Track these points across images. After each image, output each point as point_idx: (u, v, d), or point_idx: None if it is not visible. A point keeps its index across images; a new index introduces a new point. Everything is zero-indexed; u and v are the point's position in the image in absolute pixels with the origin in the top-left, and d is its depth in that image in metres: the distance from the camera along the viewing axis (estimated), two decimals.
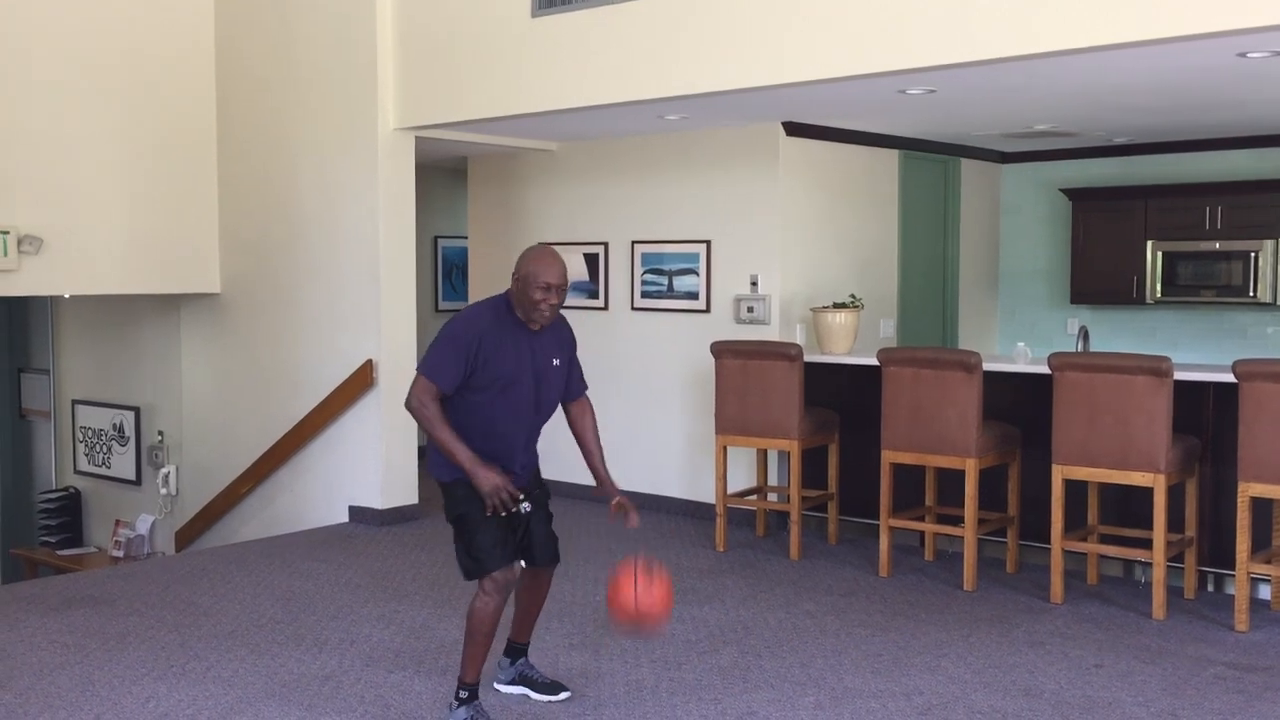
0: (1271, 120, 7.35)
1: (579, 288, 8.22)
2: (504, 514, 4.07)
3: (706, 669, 4.86)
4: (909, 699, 4.53)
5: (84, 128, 7.81)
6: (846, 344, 7.10)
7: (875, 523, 6.65)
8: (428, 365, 4.05)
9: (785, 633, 5.35)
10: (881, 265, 8.15)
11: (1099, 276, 8.67)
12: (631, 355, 8.05)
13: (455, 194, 10.38)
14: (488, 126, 7.48)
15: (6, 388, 10.86)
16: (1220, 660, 4.97)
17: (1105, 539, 6.10)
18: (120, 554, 9.08)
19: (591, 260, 8.24)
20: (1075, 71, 5.53)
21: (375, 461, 7.62)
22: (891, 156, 8.19)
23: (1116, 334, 8.71)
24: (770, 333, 7.36)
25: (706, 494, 7.44)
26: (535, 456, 4.32)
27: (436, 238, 10.90)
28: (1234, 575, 5.50)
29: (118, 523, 9.43)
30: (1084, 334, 7.23)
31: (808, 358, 6.86)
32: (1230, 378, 5.49)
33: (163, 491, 9.01)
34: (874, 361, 6.51)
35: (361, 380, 7.60)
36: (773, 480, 7.35)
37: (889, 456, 6.25)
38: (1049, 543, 5.90)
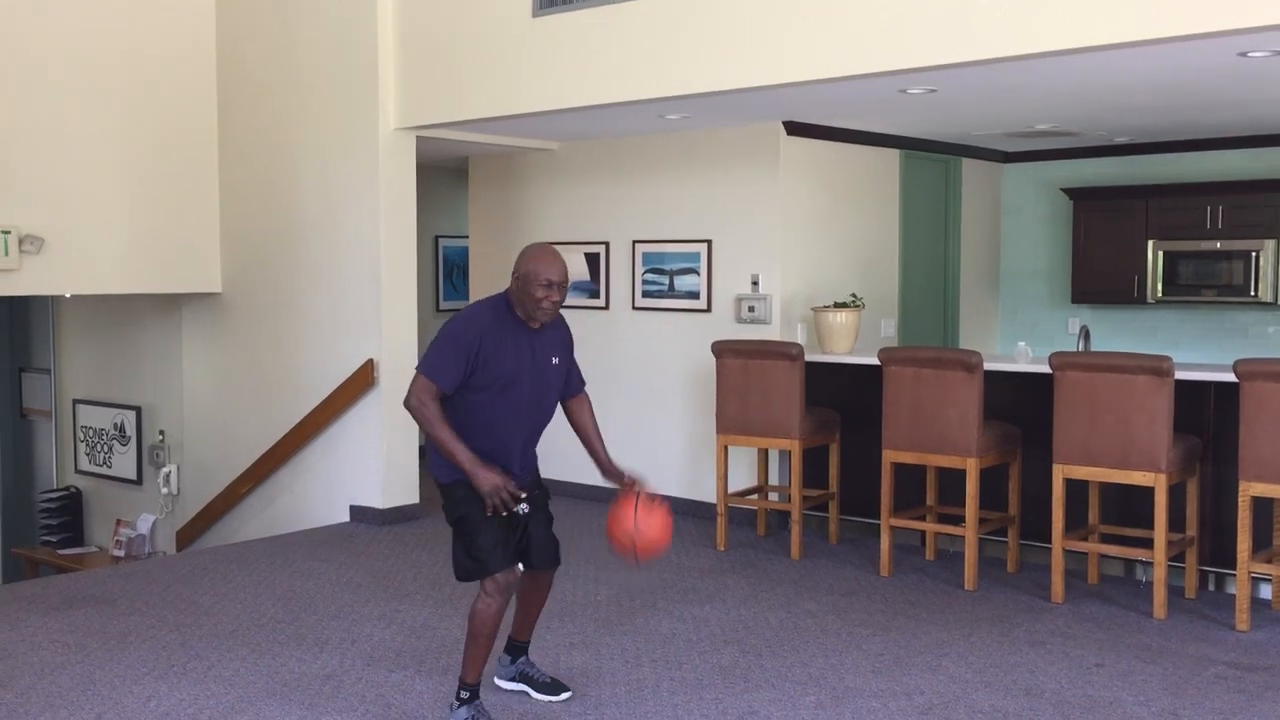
0: (1272, 120, 7.34)
1: (580, 287, 8.22)
2: (504, 514, 4.07)
3: (707, 668, 4.86)
4: (910, 698, 4.53)
5: (85, 128, 7.81)
6: (847, 343, 7.10)
7: (876, 522, 6.65)
8: (427, 364, 4.05)
9: (786, 632, 5.35)
10: (882, 265, 8.15)
11: (1100, 276, 8.67)
12: (632, 355, 8.05)
13: (456, 194, 10.38)
14: (488, 126, 7.49)
15: (7, 387, 10.87)
16: (1221, 660, 4.97)
17: (1106, 538, 6.10)
18: (121, 553, 9.09)
19: (592, 260, 8.24)
20: (1076, 71, 5.53)
21: (376, 461, 7.62)
22: (892, 156, 8.20)
23: (1117, 333, 8.72)
24: (771, 332, 7.36)
25: (707, 493, 7.45)
26: (535, 458, 4.32)
27: (437, 237, 10.91)
28: (1235, 575, 5.50)
29: (119, 522, 9.43)
30: (1085, 333, 7.24)
31: (809, 357, 6.86)
32: (1231, 377, 5.49)
33: (164, 491, 9.02)
34: (875, 361, 6.51)
35: (362, 380, 7.60)
36: (774, 480, 7.35)
37: (890, 456, 6.25)
38: (1050, 542, 5.90)
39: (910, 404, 6.14)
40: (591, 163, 8.28)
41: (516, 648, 4.54)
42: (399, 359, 7.61)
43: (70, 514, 9.92)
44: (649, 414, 7.93)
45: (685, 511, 7.75)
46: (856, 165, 7.91)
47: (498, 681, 4.53)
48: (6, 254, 7.36)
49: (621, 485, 4.22)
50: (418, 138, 7.65)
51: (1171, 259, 8.34)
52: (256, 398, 8.33)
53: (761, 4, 5.83)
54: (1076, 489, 5.98)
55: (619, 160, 8.13)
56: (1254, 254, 7.99)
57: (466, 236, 9.40)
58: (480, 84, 7.05)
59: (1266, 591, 5.75)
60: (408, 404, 4.03)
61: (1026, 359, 6.54)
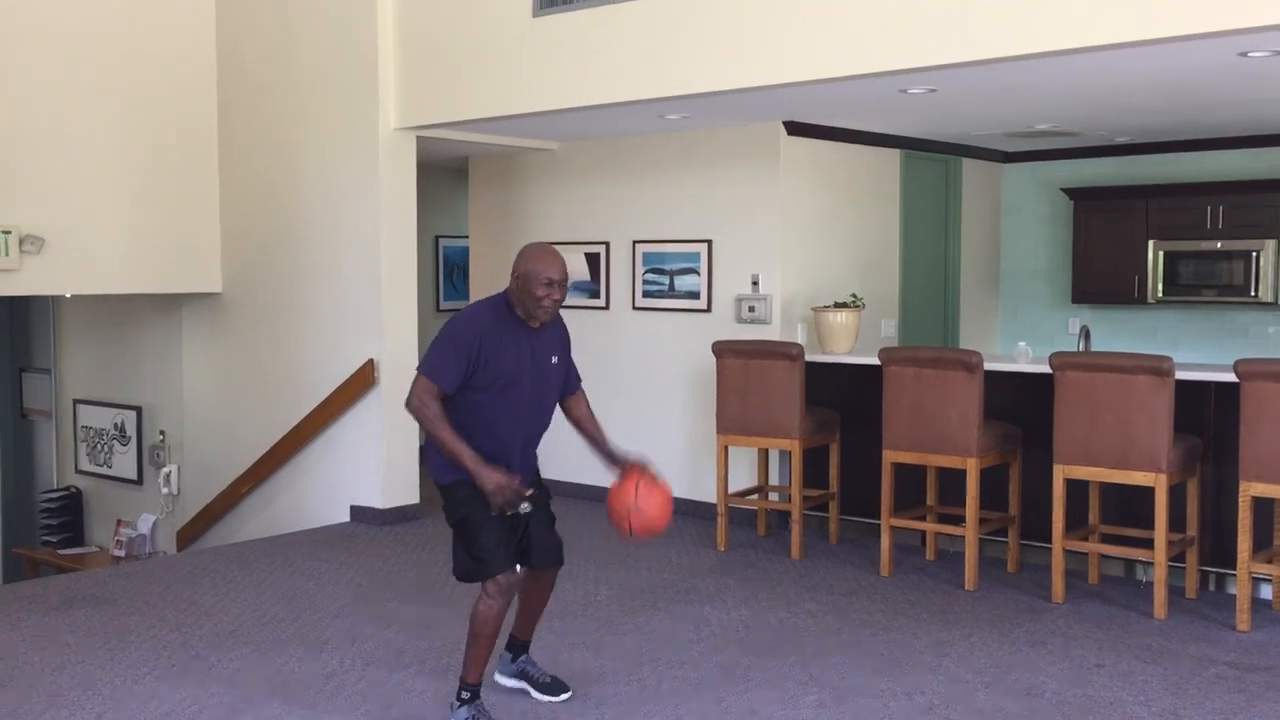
0: (1272, 120, 7.34)
1: (580, 287, 8.23)
2: (508, 514, 4.06)
3: (708, 668, 4.86)
4: (910, 698, 4.53)
5: (86, 128, 7.81)
6: (848, 343, 7.10)
7: (876, 522, 6.65)
8: (428, 365, 4.04)
9: (787, 632, 5.35)
10: (883, 265, 8.16)
11: (1100, 276, 8.67)
12: (633, 355, 8.06)
13: (456, 193, 10.38)
14: (489, 126, 7.49)
15: (8, 387, 10.87)
16: (1222, 660, 4.97)
17: (1106, 539, 6.10)
18: (122, 553, 9.09)
19: (593, 260, 8.24)
20: (1076, 71, 5.53)
21: (376, 461, 7.62)
22: (893, 156, 8.20)
23: (1118, 333, 8.72)
24: (771, 332, 7.36)
25: (708, 493, 7.44)
26: (535, 459, 4.32)
27: (438, 237, 10.91)
28: (1235, 575, 5.50)
29: (119, 522, 9.43)
30: (1085, 333, 7.23)
31: (809, 357, 6.86)
32: (1231, 377, 5.49)
33: (164, 491, 9.02)
34: (875, 361, 6.51)
35: (363, 380, 7.60)
36: (774, 480, 7.35)
37: (890, 456, 6.25)
38: (1050, 542, 5.90)
39: (910, 404, 6.14)
40: (592, 163, 8.28)
41: (518, 646, 4.54)
42: (399, 359, 7.61)
43: (71, 514, 9.92)
44: (649, 414, 7.93)
45: (685, 512, 7.75)
46: (857, 165, 7.91)
47: (498, 678, 4.53)
48: (7, 254, 7.36)
49: (628, 467, 4.20)
50: (418, 137, 7.65)
51: (1172, 259, 8.34)
52: (257, 398, 8.33)
53: (762, 4, 5.83)
54: (1077, 489, 5.98)
55: (619, 160, 8.13)
56: (1254, 254, 7.99)
57: (467, 236, 9.40)
58: (480, 84, 7.06)
59: (1267, 592, 5.75)
60: (409, 405, 4.03)
61: (1027, 359, 6.54)
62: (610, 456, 4.30)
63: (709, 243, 7.66)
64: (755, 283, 7.45)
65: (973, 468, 5.98)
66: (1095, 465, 5.65)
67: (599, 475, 4.42)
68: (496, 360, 4.05)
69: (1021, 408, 6.38)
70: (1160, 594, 5.54)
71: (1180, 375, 5.58)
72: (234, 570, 6.49)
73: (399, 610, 5.69)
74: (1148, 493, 5.64)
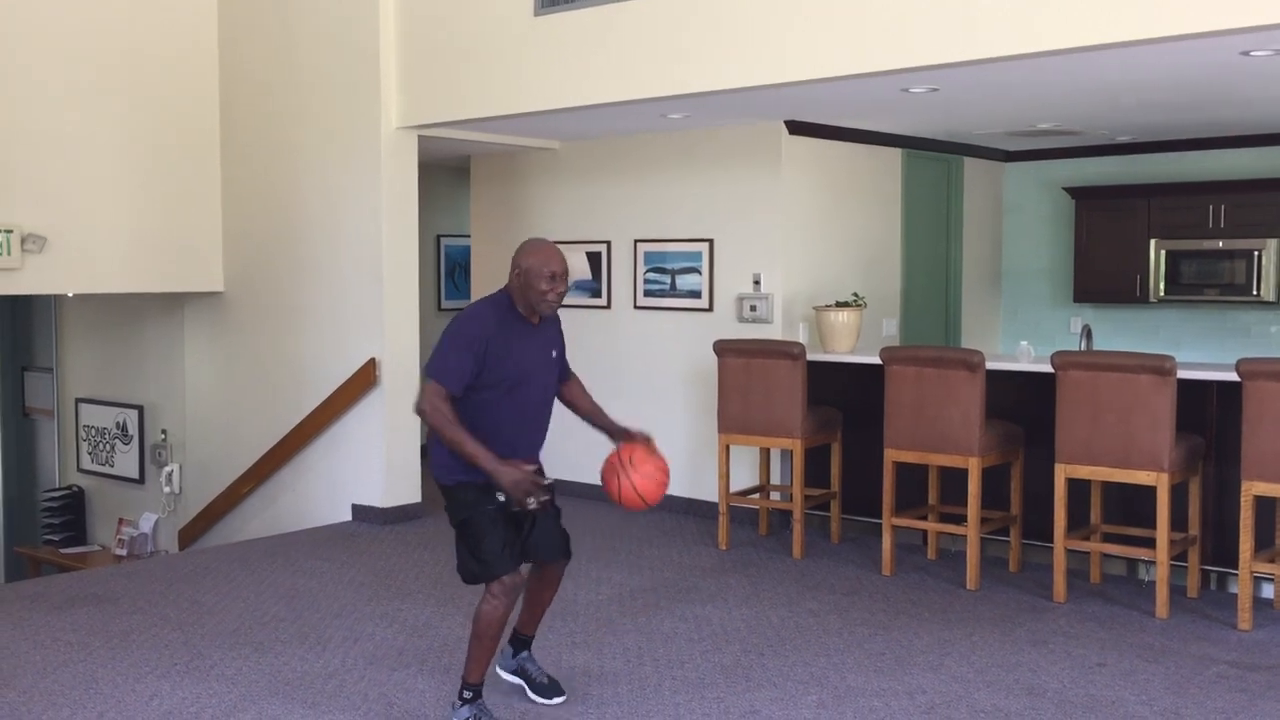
0: (1275, 119, 7.34)
1: (582, 286, 8.23)
2: (530, 508, 4.05)
3: (709, 667, 4.86)
4: (912, 698, 4.53)
5: (87, 127, 7.81)
6: (849, 343, 7.10)
7: (878, 521, 6.65)
8: (435, 367, 4.02)
9: (788, 631, 5.35)
10: (884, 264, 8.15)
11: (1102, 275, 8.67)
12: (634, 354, 8.06)
13: (458, 193, 10.38)
14: (490, 125, 7.49)
15: (10, 386, 10.88)
16: (1223, 659, 4.97)
17: (1108, 538, 6.10)
18: (123, 552, 9.09)
19: (594, 259, 8.24)
20: (1078, 70, 5.53)
21: (378, 460, 7.63)
22: (894, 155, 8.20)
23: (1119, 333, 8.71)
24: (773, 331, 7.36)
25: (709, 493, 7.44)
26: (539, 455, 4.31)
27: (439, 236, 10.90)
28: (1237, 574, 5.50)
29: (121, 521, 9.44)
30: (1087, 333, 7.23)
31: (810, 356, 6.86)
32: (1233, 376, 5.48)
33: (166, 490, 9.02)
34: (877, 360, 6.51)
35: (364, 379, 7.60)
36: (775, 479, 7.35)
37: (892, 455, 6.25)
38: (1052, 542, 5.90)
39: (912, 403, 6.14)
40: (593, 162, 8.28)
41: (520, 641, 4.53)
42: (401, 358, 7.62)
43: (73, 513, 9.93)
44: (650, 413, 7.90)
45: (687, 511, 7.76)
46: (858, 164, 7.91)
47: (498, 670, 4.52)
48: (9, 253, 7.36)
49: (630, 436, 4.20)
50: (419, 137, 7.65)
51: (1174, 258, 8.33)
52: (259, 397, 8.33)
53: (763, 3, 5.83)
54: (1078, 488, 5.98)
55: (621, 159, 8.13)
56: (1256, 253, 7.98)
57: (468, 235, 9.41)
58: (482, 83, 7.06)
59: (1269, 591, 5.75)
60: (419, 410, 4.00)
61: (1028, 358, 6.54)
62: (615, 430, 4.30)
63: (710, 242, 7.66)
64: (757, 282, 7.45)
65: (974, 467, 5.98)
66: (1097, 464, 5.65)
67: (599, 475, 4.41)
68: (502, 358, 4.04)
69: (1023, 407, 6.38)
70: (1162, 593, 5.54)
71: (1182, 374, 5.58)
72: (236, 569, 6.50)
73: (400, 609, 5.69)
74: (1149, 492, 5.64)
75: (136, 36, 8.00)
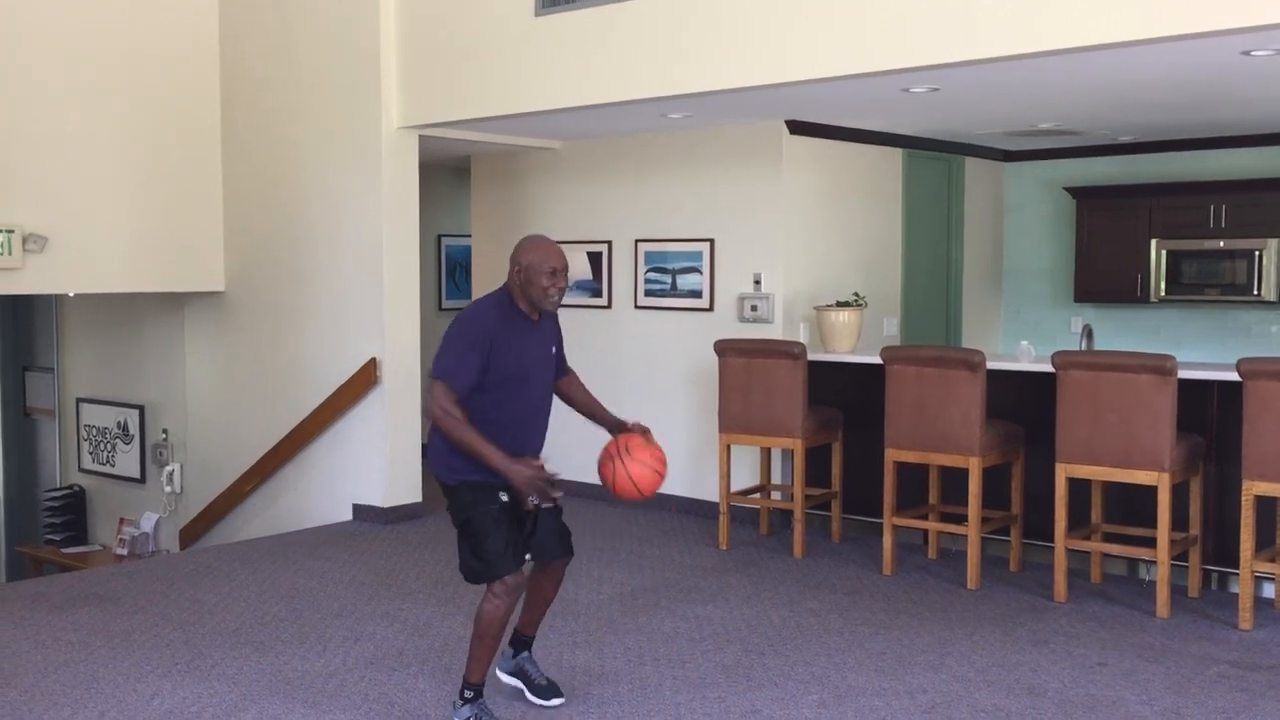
0: (1276, 118, 7.34)
1: (583, 286, 8.23)
2: (547, 505, 4.03)
3: (710, 667, 4.86)
4: (912, 697, 4.53)
5: (88, 127, 7.82)
6: (850, 342, 7.10)
7: (879, 521, 6.65)
8: (442, 369, 4.00)
9: (789, 631, 5.35)
10: (885, 264, 8.15)
11: (1103, 275, 8.67)
12: (635, 354, 8.06)
13: (458, 192, 10.38)
14: (491, 125, 7.49)
15: (11, 386, 10.88)
16: (1224, 659, 4.97)
17: (1109, 537, 6.10)
18: (125, 552, 9.10)
19: (595, 259, 8.24)
20: (1078, 70, 5.53)
21: (379, 460, 7.63)
22: (895, 155, 8.20)
23: (1120, 332, 8.71)
24: (774, 331, 7.36)
25: (710, 492, 7.45)
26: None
27: (440, 236, 10.91)
28: (1238, 574, 5.50)
29: (122, 521, 9.45)
30: (1088, 332, 7.22)
31: (811, 356, 6.86)
32: (1234, 376, 5.48)
33: (167, 489, 9.03)
34: (878, 360, 6.51)
35: (365, 378, 7.61)
36: (776, 479, 7.35)
37: (892, 455, 6.25)
38: (1052, 541, 5.90)
39: (913, 403, 6.14)
40: (594, 162, 8.28)
41: (521, 642, 4.52)
42: (402, 358, 7.62)
43: (74, 512, 9.93)
44: (651, 413, 7.87)
45: (688, 510, 7.76)
46: (859, 164, 7.91)
47: (497, 673, 4.51)
48: (10, 253, 7.37)
49: (628, 427, 4.21)
50: (420, 137, 7.66)
51: (1175, 258, 8.33)
52: (259, 396, 8.33)
53: (764, 3, 5.83)
54: (1079, 488, 5.98)
55: (621, 159, 8.13)
56: (1257, 253, 7.98)
57: (469, 235, 9.41)
58: (482, 83, 7.06)
59: (1269, 590, 5.75)
60: (431, 413, 3.99)
61: (1029, 358, 6.54)
62: (610, 421, 4.31)
63: (711, 241, 7.66)
64: (757, 281, 7.45)
65: (975, 467, 5.98)
66: (1098, 464, 5.65)
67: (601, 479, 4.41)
68: (507, 356, 4.05)
69: (1024, 407, 6.38)
70: (1163, 593, 5.54)
71: (1183, 374, 5.58)
72: (237, 569, 6.50)
73: (401, 609, 5.69)
74: (1150, 492, 5.64)
75: (137, 36, 8.01)
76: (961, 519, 6.26)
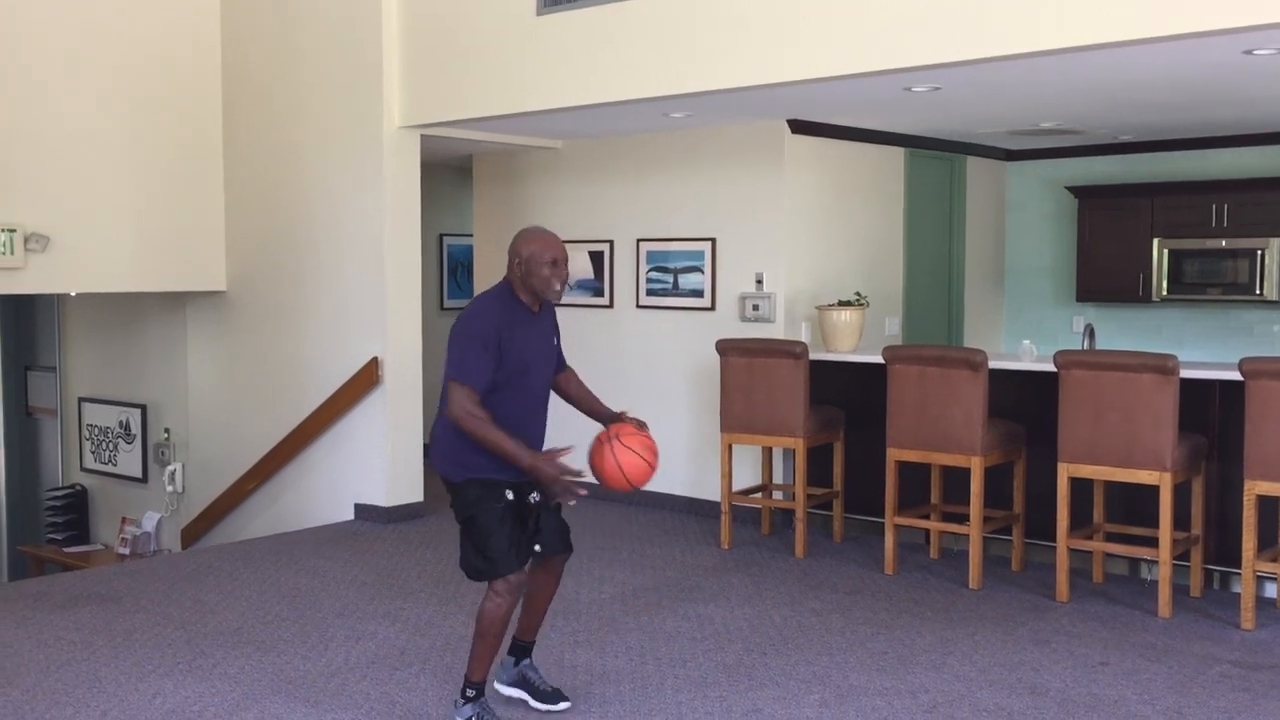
0: (1277, 117, 7.33)
1: (584, 286, 8.23)
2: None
3: (711, 666, 4.86)
4: (914, 697, 4.53)
5: (90, 127, 7.82)
6: (852, 342, 7.10)
7: (880, 520, 6.65)
8: (457, 370, 3.98)
9: (790, 630, 5.35)
10: (887, 263, 8.15)
11: (1105, 274, 8.66)
12: (636, 353, 8.06)
13: (460, 192, 10.39)
14: (493, 125, 7.49)
15: (13, 385, 10.89)
16: (1226, 658, 4.97)
17: (1111, 537, 6.10)
18: (126, 551, 9.11)
19: (596, 258, 8.24)
20: (1080, 69, 5.52)
21: (381, 459, 7.63)
22: (897, 154, 8.19)
23: (1122, 332, 8.71)
24: (775, 330, 7.36)
25: (711, 492, 7.45)
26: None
27: (442, 235, 10.91)
28: (1240, 573, 5.50)
29: (124, 520, 9.45)
30: (1089, 332, 7.22)
31: (813, 355, 6.86)
32: (1236, 376, 5.48)
33: (169, 489, 9.03)
34: (879, 359, 6.51)
35: (367, 378, 7.61)
36: (778, 478, 7.35)
37: (894, 454, 6.25)
38: (1054, 541, 5.90)
39: (915, 402, 6.14)
40: (595, 161, 8.28)
41: (521, 649, 4.49)
42: (403, 357, 7.62)
43: (76, 512, 9.94)
44: (653, 413, 7.81)
45: (689, 510, 7.76)
46: (861, 163, 7.91)
47: (498, 686, 4.46)
48: (12, 252, 7.37)
49: (619, 423, 4.20)
50: (422, 136, 7.66)
51: (1176, 257, 8.33)
52: (261, 396, 8.34)
53: (765, 2, 5.83)
54: (1081, 487, 5.98)
55: (623, 158, 8.13)
56: (1259, 252, 7.98)
57: (471, 235, 9.41)
58: (484, 82, 7.06)
59: (1271, 590, 5.75)
60: (453, 415, 3.95)
61: (1031, 357, 6.54)
62: (607, 415, 4.31)
63: (713, 241, 7.66)
64: (759, 281, 7.45)
65: (977, 466, 5.98)
66: (1100, 464, 5.65)
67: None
68: (514, 349, 4.04)
69: (1026, 406, 6.38)
70: (1164, 592, 5.53)
71: (1185, 374, 5.58)
72: (238, 568, 6.50)
73: (403, 608, 5.69)
74: (1152, 491, 5.63)
75: (139, 36, 8.01)
76: (963, 518, 6.26)
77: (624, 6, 6.34)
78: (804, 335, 7.43)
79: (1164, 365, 5.45)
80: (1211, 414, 5.91)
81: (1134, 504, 6.06)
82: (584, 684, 4.64)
